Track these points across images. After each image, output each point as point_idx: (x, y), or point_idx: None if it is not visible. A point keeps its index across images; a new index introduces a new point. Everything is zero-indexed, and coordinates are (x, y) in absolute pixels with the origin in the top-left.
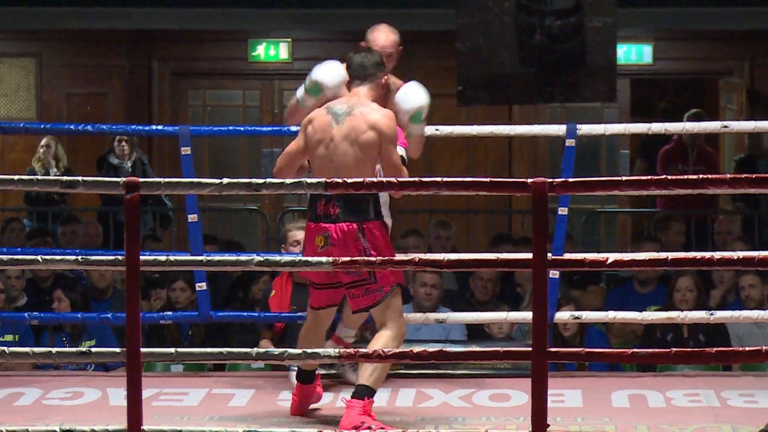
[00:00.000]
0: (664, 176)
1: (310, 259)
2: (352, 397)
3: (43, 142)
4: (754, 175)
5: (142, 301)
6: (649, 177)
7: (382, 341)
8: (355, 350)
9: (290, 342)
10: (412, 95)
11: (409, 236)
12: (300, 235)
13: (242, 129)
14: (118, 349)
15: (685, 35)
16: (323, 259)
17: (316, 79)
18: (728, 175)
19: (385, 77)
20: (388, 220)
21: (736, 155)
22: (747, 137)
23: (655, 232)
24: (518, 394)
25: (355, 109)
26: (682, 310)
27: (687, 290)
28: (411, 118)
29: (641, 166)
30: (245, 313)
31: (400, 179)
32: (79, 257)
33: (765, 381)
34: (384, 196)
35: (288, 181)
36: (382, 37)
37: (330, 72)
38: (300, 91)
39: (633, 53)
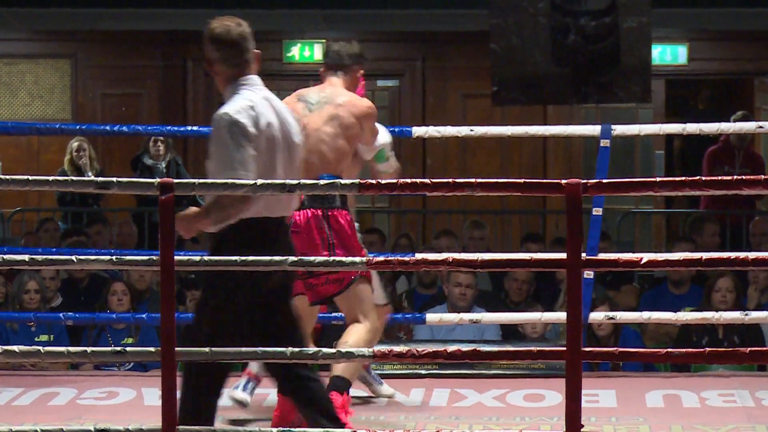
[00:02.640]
0: (698, 177)
1: (343, 259)
2: (331, 389)
3: (74, 145)
4: None
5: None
6: (683, 178)
7: (355, 336)
8: (389, 349)
9: (328, 345)
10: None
11: (442, 237)
12: None
13: None
14: (152, 349)
15: (720, 35)
16: (357, 259)
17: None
18: (762, 177)
19: (361, 71)
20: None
21: None
22: None
23: (690, 233)
24: (552, 394)
25: (336, 98)
26: (720, 311)
27: (727, 291)
28: (375, 158)
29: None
30: None
31: (434, 180)
32: (114, 257)
33: None
34: None
35: (322, 181)
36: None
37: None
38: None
39: (668, 53)
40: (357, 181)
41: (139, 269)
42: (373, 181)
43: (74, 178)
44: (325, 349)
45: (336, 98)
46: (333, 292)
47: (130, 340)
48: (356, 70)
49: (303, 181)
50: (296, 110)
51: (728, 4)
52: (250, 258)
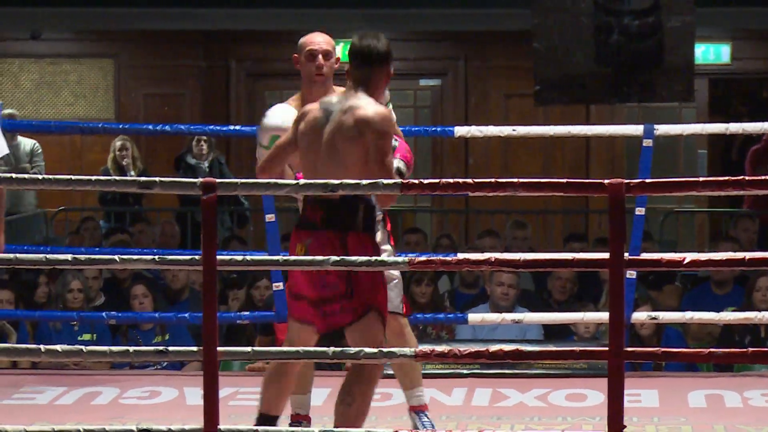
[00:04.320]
0: (741, 177)
1: (386, 258)
2: None
3: (117, 144)
4: None
5: (219, 305)
6: (726, 178)
7: (359, 388)
8: (431, 349)
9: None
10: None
11: (485, 237)
12: None
13: None
14: (195, 348)
15: (763, 35)
16: (399, 258)
17: (271, 124)
18: None
19: (392, 70)
20: (380, 235)
21: None
22: None
23: (727, 230)
24: (594, 394)
25: (346, 105)
26: (762, 310)
27: (767, 290)
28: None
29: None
30: None
31: (477, 180)
32: (156, 257)
33: None
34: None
35: (364, 182)
36: (314, 34)
37: (280, 117)
38: (260, 152)
39: (711, 53)
40: (399, 180)
41: (181, 269)
42: (416, 181)
43: (117, 177)
44: (367, 349)
45: (346, 104)
46: (347, 321)
47: (159, 339)
48: (384, 66)
49: (345, 180)
50: (316, 119)
51: None
52: (292, 258)
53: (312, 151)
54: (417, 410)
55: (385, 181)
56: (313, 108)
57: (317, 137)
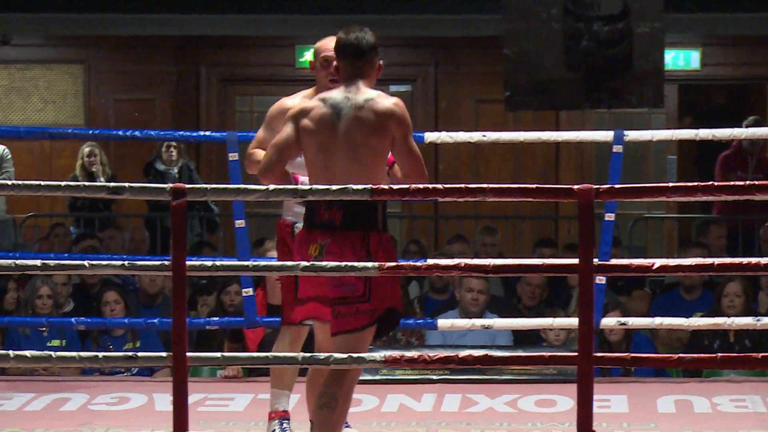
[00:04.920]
0: (711, 182)
1: (357, 264)
2: None
3: (86, 150)
4: None
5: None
6: (696, 183)
7: (341, 389)
8: (401, 355)
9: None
10: None
11: (455, 242)
12: None
13: None
14: (164, 354)
15: (733, 40)
16: (369, 264)
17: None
18: None
19: (380, 62)
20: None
21: None
22: None
23: (697, 236)
24: (564, 400)
25: (360, 101)
26: (730, 316)
27: (735, 295)
28: None
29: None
30: None
31: (446, 185)
32: (126, 263)
33: None
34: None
35: (334, 187)
36: (332, 41)
37: None
38: None
39: (681, 59)
40: (369, 186)
41: (151, 274)
42: (385, 186)
43: (86, 183)
44: (336, 354)
45: (359, 100)
46: (364, 323)
47: (129, 346)
48: (374, 59)
49: (315, 186)
50: (325, 116)
51: (741, 9)
52: (262, 264)
53: (325, 150)
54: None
55: (354, 187)
56: (315, 105)
57: (331, 136)
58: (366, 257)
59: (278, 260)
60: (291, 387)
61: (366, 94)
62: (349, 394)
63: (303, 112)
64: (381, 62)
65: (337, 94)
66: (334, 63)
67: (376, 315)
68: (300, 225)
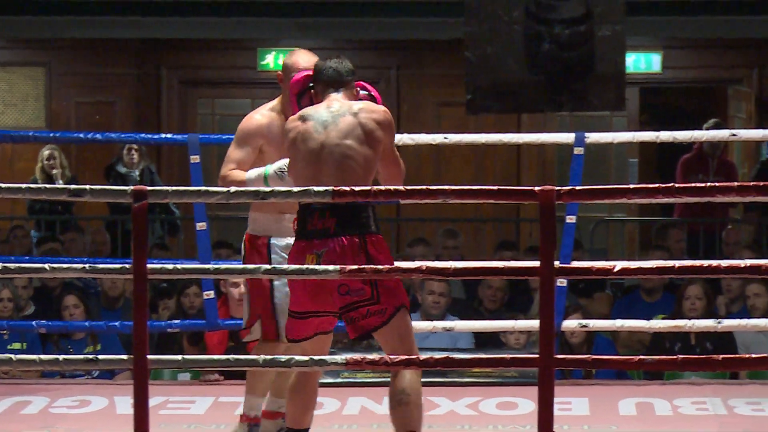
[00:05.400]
0: (672, 184)
1: (318, 267)
2: None
3: (45, 153)
4: (762, 183)
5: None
6: (657, 185)
7: (409, 379)
8: (362, 357)
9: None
10: None
11: (416, 245)
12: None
13: None
14: (125, 356)
15: (694, 43)
16: (330, 267)
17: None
18: (736, 183)
19: (357, 86)
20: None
21: (747, 162)
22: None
23: (657, 239)
24: (525, 402)
25: (351, 107)
26: (691, 318)
27: (696, 298)
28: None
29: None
30: None
31: (408, 187)
32: (87, 266)
33: None
34: (281, 226)
35: (295, 189)
36: (304, 59)
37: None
38: (257, 181)
39: (642, 62)
40: (330, 188)
41: (112, 277)
42: (347, 188)
43: (47, 185)
44: (297, 357)
45: (349, 108)
46: (377, 324)
47: (90, 349)
48: (354, 86)
49: (277, 188)
50: (306, 130)
51: (702, 13)
52: (223, 267)
53: (313, 163)
54: (252, 422)
55: (316, 189)
56: (297, 123)
57: (319, 147)
58: (366, 261)
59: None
60: (266, 393)
61: (356, 103)
62: (418, 387)
63: (286, 132)
64: (358, 89)
65: (319, 108)
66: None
67: (387, 314)
68: (276, 241)
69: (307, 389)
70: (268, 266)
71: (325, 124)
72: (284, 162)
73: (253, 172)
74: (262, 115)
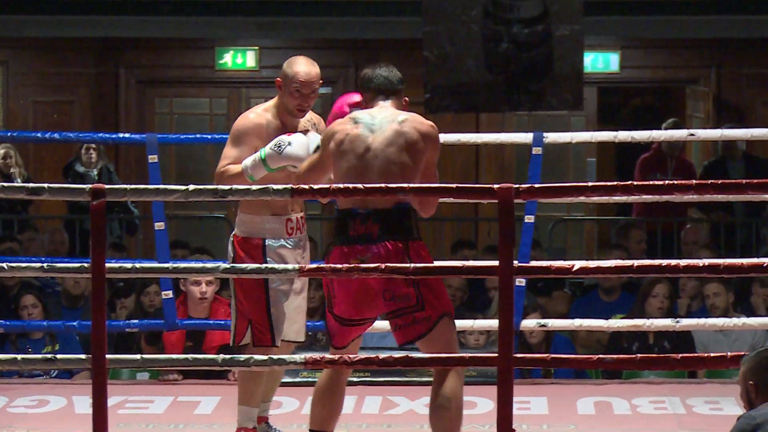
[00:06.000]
0: (630, 182)
1: (277, 266)
2: None
3: (1, 152)
4: (720, 182)
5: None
6: (615, 183)
7: (451, 384)
8: (321, 356)
9: None
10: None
11: None
12: (205, 288)
13: (209, 137)
14: (83, 356)
15: (652, 43)
16: (289, 266)
17: (292, 154)
18: (694, 182)
19: (406, 98)
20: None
21: (704, 161)
22: (720, 142)
23: (617, 239)
24: (484, 402)
25: (396, 117)
26: (657, 317)
27: (664, 297)
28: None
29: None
30: (211, 321)
31: (367, 185)
32: (45, 265)
33: (730, 388)
34: (275, 228)
35: (254, 187)
36: (304, 70)
37: (302, 146)
38: (254, 167)
39: (600, 61)
40: (290, 186)
41: (70, 276)
42: (306, 186)
43: (5, 184)
44: (257, 356)
45: (396, 117)
46: (422, 331)
47: (49, 349)
48: (403, 94)
49: (236, 186)
50: (355, 133)
51: (660, 12)
52: (182, 266)
53: (357, 166)
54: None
55: (275, 187)
56: (345, 125)
57: (363, 154)
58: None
59: (234, 286)
60: (259, 403)
61: (403, 113)
62: (461, 394)
63: (331, 135)
64: (407, 98)
65: (368, 113)
66: (306, 96)
67: (432, 321)
68: (271, 242)
69: (337, 391)
70: (227, 265)
71: (373, 128)
72: (278, 139)
73: (248, 160)
74: (257, 114)
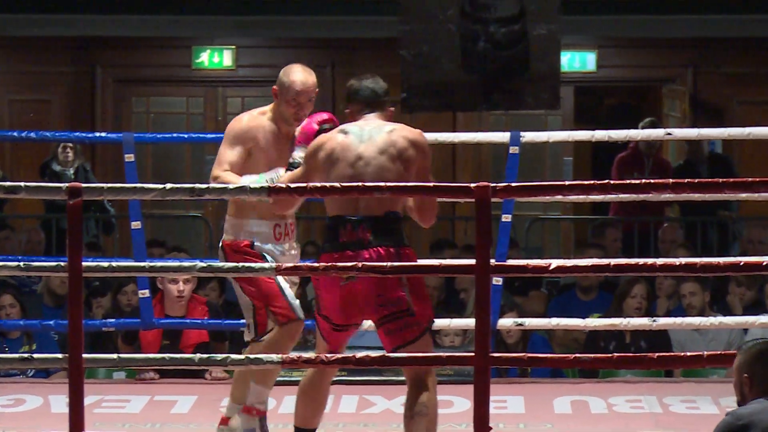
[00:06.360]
0: (607, 181)
1: (252, 265)
2: None
3: None
4: (696, 180)
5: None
6: (592, 182)
7: (426, 395)
8: (298, 356)
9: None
10: None
11: None
12: (182, 287)
13: (186, 136)
14: (60, 355)
15: (629, 43)
16: (265, 265)
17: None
18: (671, 181)
19: (392, 108)
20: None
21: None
22: (687, 143)
23: (593, 238)
24: (461, 401)
25: (384, 127)
26: (634, 317)
27: (642, 297)
28: None
29: None
30: (187, 320)
31: (344, 184)
32: (22, 264)
33: (706, 387)
34: (262, 231)
35: (231, 186)
36: (300, 79)
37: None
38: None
39: (577, 61)
40: (266, 184)
41: (47, 275)
42: (283, 185)
43: None
44: (233, 355)
45: (384, 127)
46: (413, 336)
47: (26, 348)
48: (388, 104)
49: (213, 185)
50: (344, 143)
51: (637, 12)
52: (159, 265)
53: (349, 177)
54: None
55: (252, 186)
56: (333, 136)
57: (353, 160)
58: (399, 277)
59: (237, 283)
60: (272, 386)
61: (390, 124)
62: (436, 401)
63: (320, 146)
64: (392, 108)
65: (357, 125)
66: (303, 106)
67: (422, 328)
68: (260, 244)
69: (321, 389)
70: (203, 264)
71: (362, 138)
72: (276, 172)
73: (246, 179)
74: (252, 117)
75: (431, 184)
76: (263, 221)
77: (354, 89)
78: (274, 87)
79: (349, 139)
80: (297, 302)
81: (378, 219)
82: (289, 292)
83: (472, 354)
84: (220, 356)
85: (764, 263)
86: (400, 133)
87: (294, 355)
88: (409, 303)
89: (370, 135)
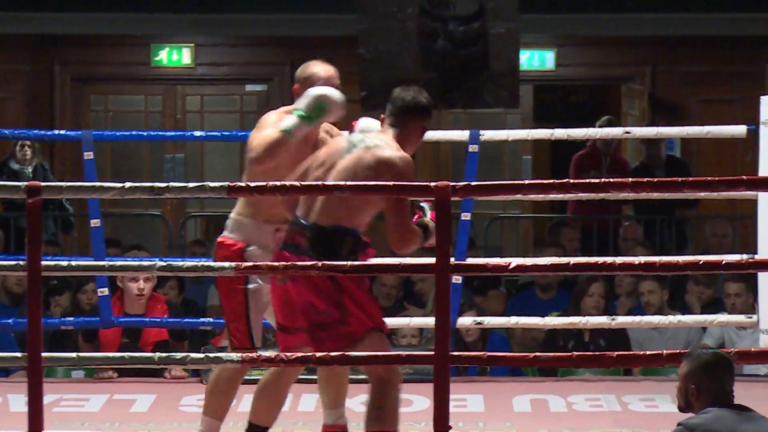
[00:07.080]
0: (566, 180)
1: (213, 264)
2: None
3: None
4: (656, 180)
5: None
6: (551, 181)
7: (385, 393)
8: (258, 354)
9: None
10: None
11: None
12: (142, 285)
13: (145, 134)
14: (19, 354)
15: (588, 41)
16: (226, 264)
17: (323, 93)
18: (630, 180)
19: (423, 125)
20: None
21: (635, 162)
22: (645, 146)
23: (550, 237)
24: (420, 399)
25: (370, 142)
26: (592, 316)
27: (599, 296)
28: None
29: None
30: (147, 319)
31: (304, 183)
32: None
33: (665, 386)
34: (262, 235)
35: (190, 185)
36: (323, 68)
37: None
38: (293, 121)
39: (536, 59)
40: (227, 183)
41: (5, 275)
42: (242, 184)
43: None
44: (193, 354)
45: (370, 141)
46: (342, 346)
47: None
48: (410, 119)
49: (172, 183)
50: (337, 148)
51: (595, 10)
52: (118, 263)
53: (319, 171)
54: None
55: (211, 184)
56: (340, 139)
57: (327, 168)
58: (333, 285)
59: (221, 282)
60: (224, 417)
61: (379, 140)
62: (397, 403)
63: (330, 135)
64: (425, 125)
65: (363, 136)
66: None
67: (356, 336)
68: (252, 249)
69: (280, 388)
70: (163, 263)
71: (352, 148)
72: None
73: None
74: (279, 114)
75: (390, 183)
76: (269, 225)
77: (393, 96)
78: (295, 86)
79: (343, 145)
80: (260, 331)
81: (321, 229)
82: (255, 316)
83: (432, 353)
84: (179, 355)
85: (723, 262)
86: (375, 152)
87: (254, 354)
88: (343, 311)
89: (358, 147)
